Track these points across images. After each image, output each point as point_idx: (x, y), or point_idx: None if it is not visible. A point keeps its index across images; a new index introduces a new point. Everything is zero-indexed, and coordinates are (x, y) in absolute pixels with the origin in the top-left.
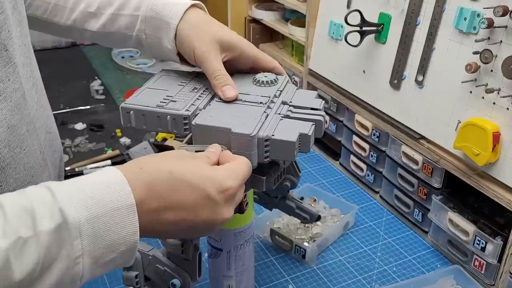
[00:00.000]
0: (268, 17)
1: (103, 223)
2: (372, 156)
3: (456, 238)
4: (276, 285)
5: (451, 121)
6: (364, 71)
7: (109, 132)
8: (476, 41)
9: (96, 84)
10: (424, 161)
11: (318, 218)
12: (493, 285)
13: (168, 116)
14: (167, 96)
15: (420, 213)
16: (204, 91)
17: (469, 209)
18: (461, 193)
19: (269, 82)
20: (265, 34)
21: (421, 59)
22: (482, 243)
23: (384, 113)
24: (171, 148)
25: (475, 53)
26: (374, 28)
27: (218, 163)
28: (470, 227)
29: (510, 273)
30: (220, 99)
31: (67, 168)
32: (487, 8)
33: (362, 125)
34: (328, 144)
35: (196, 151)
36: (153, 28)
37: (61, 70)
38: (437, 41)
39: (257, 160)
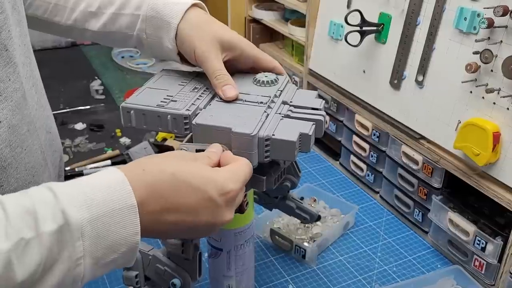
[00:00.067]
0: (268, 17)
1: (104, 224)
2: (372, 156)
3: (456, 238)
4: (276, 285)
5: (451, 121)
6: (364, 71)
7: (109, 132)
8: (476, 41)
9: (96, 84)
10: (424, 161)
11: (318, 218)
12: (493, 285)
13: (169, 116)
14: (167, 95)
15: (420, 213)
16: (204, 90)
17: (469, 209)
18: (461, 193)
19: (270, 82)
20: (265, 34)
21: (421, 59)
22: (482, 243)
23: (384, 113)
24: (171, 148)
25: (475, 53)
26: (374, 28)
27: (219, 163)
28: (470, 227)
29: (510, 273)
30: (221, 98)
31: (67, 168)
32: (487, 8)
33: (362, 125)
34: (328, 144)
35: (196, 150)
36: (153, 28)
37: (61, 70)
38: (437, 41)
39: (257, 160)
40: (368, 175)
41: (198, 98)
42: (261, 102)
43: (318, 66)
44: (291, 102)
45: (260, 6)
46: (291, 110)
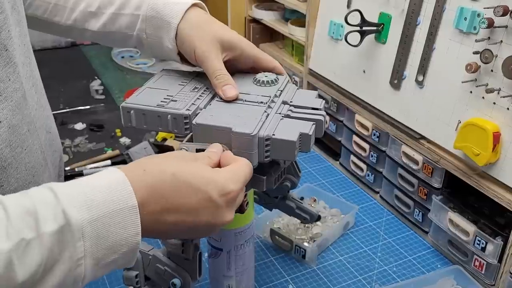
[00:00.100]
0: (268, 17)
1: (105, 224)
2: (372, 156)
3: (456, 238)
4: (276, 285)
5: (451, 121)
6: (364, 71)
7: (109, 132)
8: (476, 41)
9: (96, 84)
10: (424, 161)
11: (318, 218)
12: (493, 285)
13: (169, 116)
14: (167, 95)
15: (420, 213)
16: (204, 90)
17: (469, 209)
18: (461, 193)
19: (270, 81)
20: (265, 34)
21: (421, 59)
22: (482, 243)
23: (384, 113)
24: (171, 148)
25: (475, 53)
26: (374, 28)
27: (219, 163)
28: (470, 227)
29: (511, 273)
30: (221, 98)
31: (67, 168)
32: (487, 8)
33: (362, 125)
34: (328, 144)
35: (196, 150)
36: (153, 28)
37: (60, 70)
38: (437, 41)
39: (257, 160)
40: (368, 175)
41: (198, 98)
42: (261, 102)
43: (318, 66)
44: (291, 102)
45: (260, 6)
46: (291, 110)
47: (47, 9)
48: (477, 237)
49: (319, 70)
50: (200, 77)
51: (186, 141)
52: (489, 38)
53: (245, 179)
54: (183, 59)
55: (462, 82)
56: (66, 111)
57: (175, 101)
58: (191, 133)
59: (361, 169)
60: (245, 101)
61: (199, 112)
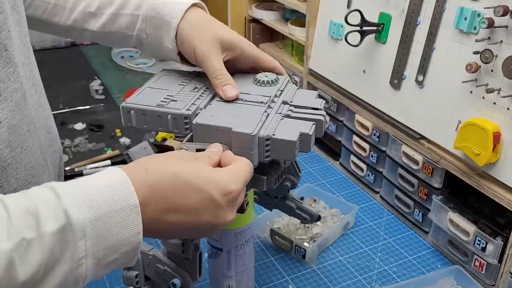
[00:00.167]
0: (268, 17)
1: (106, 223)
2: (372, 156)
3: (457, 238)
4: (276, 285)
5: (451, 121)
6: (364, 71)
7: (109, 132)
8: (477, 41)
9: (95, 84)
10: (424, 161)
11: (318, 218)
12: (494, 285)
13: (169, 116)
14: (167, 95)
15: (421, 213)
16: (204, 90)
17: (469, 209)
18: (462, 193)
19: (270, 81)
20: (265, 34)
21: (421, 59)
22: (483, 243)
23: (384, 113)
24: (171, 148)
25: (476, 53)
26: (374, 28)
27: (219, 163)
28: (471, 227)
29: (511, 273)
30: (221, 98)
31: (67, 168)
32: (488, 8)
33: (362, 125)
34: (328, 144)
35: (197, 149)
36: (153, 28)
37: (60, 70)
38: (438, 41)
39: (257, 160)
40: (368, 175)
41: (198, 98)
42: (262, 102)
43: (318, 66)
44: (291, 102)
45: (260, 6)
46: (291, 110)
47: (46, 10)
48: (477, 237)
49: (319, 70)
50: (200, 77)
51: (186, 141)
52: (489, 38)
53: (246, 179)
54: (183, 59)
55: (462, 82)
56: (66, 111)
57: (175, 101)
58: (191, 133)
59: (361, 169)
60: (245, 101)
61: (199, 112)
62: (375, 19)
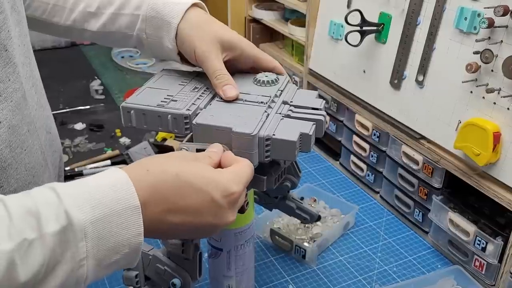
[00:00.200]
0: (268, 17)
1: (107, 224)
2: (372, 156)
3: (457, 238)
4: (276, 285)
5: (451, 121)
6: (364, 71)
7: (109, 132)
8: (477, 41)
9: (95, 84)
10: (424, 161)
11: (318, 218)
12: (494, 285)
13: (169, 116)
14: (168, 95)
15: (421, 213)
16: (205, 90)
17: (469, 209)
18: (462, 193)
19: (270, 81)
20: (265, 34)
21: (421, 59)
22: (483, 243)
23: (384, 113)
24: (171, 148)
25: (476, 53)
26: (375, 28)
27: (220, 164)
28: (471, 227)
29: (511, 273)
30: (221, 98)
31: (67, 168)
32: (488, 8)
33: (362, 125)
34: (328, 144)
35: (197, 150)
36: (153, 28)
37: (60, 70)
38: (438, 41)
39: (257, 160)
40: (368, 175)
41: (198, 98)
42: (262, 102)
43: (318, 66)
44: (291, 102)
45: (260, 6)
46: (291, 110)
47: (46, 10)
48: (477, 237)
49: (319, 70)
50: (200, 77)
51: (186, 141)
52: (489, 38)
53: (247, 180)
54: (183, 59)
55: (463, 82)
56: (66, 111)
57: (175, 101)
58: (191, 133)
59: (361, 169)
60: (245, 101)
61: (199, 112)
62: (375, 19)
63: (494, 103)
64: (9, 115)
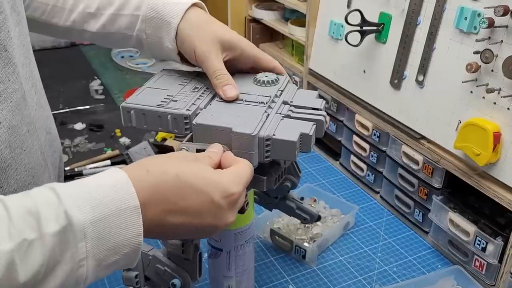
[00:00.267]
0: (268, 17)
1: (107, 225)
2: (372, 156)
3: (457, 239)
4: (276, 285)
5: (451, 121)
6: (364, 71)
7: (109, 132)
8: (477, 40)
9: (95, 84)
10: (424, 161)
11: (318, 218)
12: (494, 285)
13: (169, 116)
14: (168, 95)
15: (421, 213)
16: (205, 90)
17: (469, 209)
18: (462, 193)
19: (270, 82)
20: (265, 34)
21: (421, 59)
22: (483, 244)
23: (384, 113)
24: (171, 148)
25: (476, 52)
26: (375, 27)
27: (220, 164)
28: (471, 227)
29: (511, 273)
30: (221, 98)
31: (67, 168)
32: (488, 7)
33: (362, 125)
34: (328, 144)
35: (197, 150)
36: (153, 28)
37: (60, 70)
38: (438, 40)
39: (257, 160)
40: (368, 175)
41: (198, 98)
42: (262, 102)
43: (318, 66)
44: (291, 102)
45: (260, 5)
46: (291, 110)
47: (45, 11)
48: (477, 237)
49: (319, 70)
50: (200, 77)
51: (186, 141)
52: (489, 38)
53: (247, 181)
54: (183, 59)
55: (463, 82)
56: (66, 111)
57: (175, 101)
58: (191, 133)
59: (361, 169)
60: (246, 101)
61: (199, 112)
62: (375, 19)
63: (494, 103)
64: (9, 116)
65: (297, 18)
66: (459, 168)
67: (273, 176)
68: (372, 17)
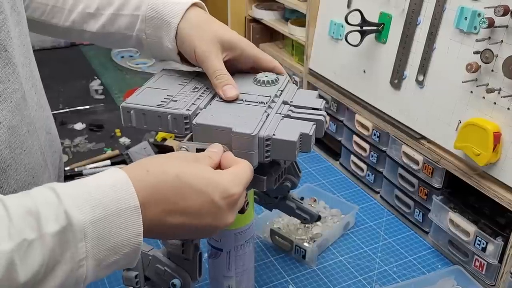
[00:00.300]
0: (268, 17)
1: (107, 225)
2: (372, 156)
3: (457, 239)
4: (276, 285)
5: (451, 121)
6: (364, 71)
7: (109, 132)
8: (477, 40)
9: (95, 84)
10: (424, 161)
11: (318, 218)
12: (494, 285)
13: (169, 116)
14: (167, 95)
15: (421, 213)
16: (204, 90)
17: (469, 209)
18: (462, 193)
19: (270, 81)
20: (265, 34)
21: (421, 59)
22: (483, 244)
23: (384, 113)
24: (171, 148)
25: (476, 52)
26: (375, 27)
27: (220, 164)
28: (471, 228)
29: (511, 273)
30: (221, 98)
31: (67, 168)
32: (488, 7)
33: (362, 125)
34: (328, 144)
35: (197, 149)
36: (153, 28)
37: (60, 70)
38: (438, 40)
39: (257, 160)
40: (369, 175)
41: (198, 98)
42: (262, 102)
43: (318, 66)
44: (291, 102)
45: (260, 5)
46: (291, 110)
47: (44, 11)
48: (477, 237)
49: (319, 70)
50: (200, 77)
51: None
52: (489, 38)
53: (247, 182)
54: (183, 59)
55: (463, 82)
56: (66, 111)
57: (175, 101)
58: (191, 133)
59: (361, 169)
60: (245, 101)
61: (199, 112)
62: (375, 19)
63: (494, 103)
64: (9, 116)
65: (297, 18)
66: (459, 168)
67: (273, 176)
68: (372, 17)
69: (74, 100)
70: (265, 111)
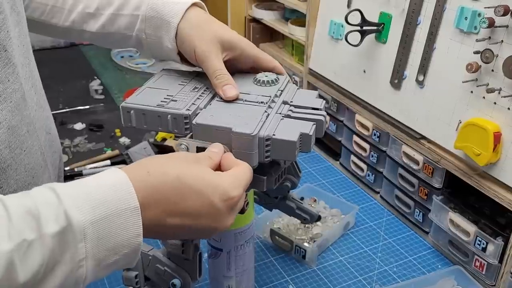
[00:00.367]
0: (268, 17)
1: (107, 225)
2: (372, 156)
3: (457, 239)
4: (276, 285)
5: (451, 121)
6: (364, 71)
7: (109, 132)
8: (477, 40)
9: (95, 84)
10: (424, 161)
11: (318, 218)
12: (494, 285)
13: (169, 116)
14: (167, 95)
15: (421, 213)
16: (204, 90)
17: (470, 209)
18: (462, 193)
19: (270, 81)
20: (265, 34)
21: (421, 59)
22: (483, 244)
23: (384, 113)
24: (171, 148)
25: (476, 52)
26: (375, 27)
27: (219, 165)
28: (471, 228)
29: (511, 273)
30: (221, 98)
31: (67, 168)
32: (488, 7)
33: (362, 125)
34: (328, 144)
35: (197, 148)
36: (153, 28)
37: (60, 70)
38: (438, 40)
39: (257, 160)
40: (369, 175)
41: (198, 98)
42: (262, 102)
43: (318, 65)
44: (291, 102)
45: (260, 5)
46: (291, 110)
47: (44, 11)
48: (477, 238)
49: (319, 70)
50: (200, 77)
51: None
52: (489, 37)
53: (246, 184)
54: (183, 59)
55: (463, 82)
56: (66, 111)
57: (175, 101)
58: (191, 133)
59: (362, 169)
60: (245, 101)
61: (199, 112)
62: (375, 19)
63: (495, 103)
64: (9, 116)
65: (297, 18)
66: (459, 168)
67: (273, 176)
68: (372, 17)
69: (74, 100)
70: (265, 111)
